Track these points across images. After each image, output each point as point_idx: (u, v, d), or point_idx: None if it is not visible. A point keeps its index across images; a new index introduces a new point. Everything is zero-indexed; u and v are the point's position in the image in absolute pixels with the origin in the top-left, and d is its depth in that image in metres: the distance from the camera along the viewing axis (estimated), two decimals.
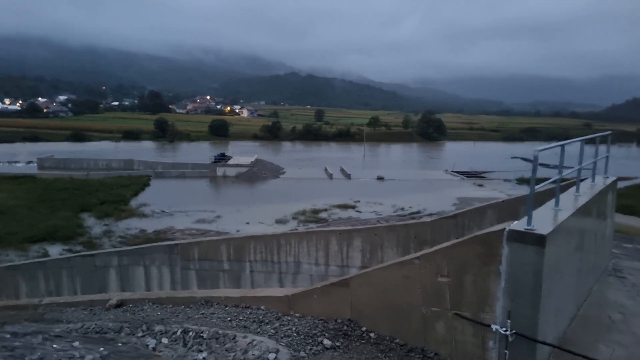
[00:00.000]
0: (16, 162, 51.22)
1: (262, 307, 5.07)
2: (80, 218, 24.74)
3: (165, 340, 4.37)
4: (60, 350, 2.20)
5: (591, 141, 5.11)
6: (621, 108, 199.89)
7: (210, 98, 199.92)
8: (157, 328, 4.63)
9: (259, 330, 4.45)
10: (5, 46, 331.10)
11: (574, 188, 4.91)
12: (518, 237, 3.43)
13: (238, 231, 21.63)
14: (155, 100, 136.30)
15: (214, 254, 8.99)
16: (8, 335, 2.19)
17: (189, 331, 4.44)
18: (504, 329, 3.47)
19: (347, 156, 61.94)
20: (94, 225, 23.75)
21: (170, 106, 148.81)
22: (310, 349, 4.00)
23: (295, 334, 4.24)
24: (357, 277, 4.53)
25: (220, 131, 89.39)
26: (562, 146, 4.03)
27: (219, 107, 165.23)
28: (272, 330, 4.36)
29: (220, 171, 42.55)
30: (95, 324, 4.92)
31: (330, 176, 42.67)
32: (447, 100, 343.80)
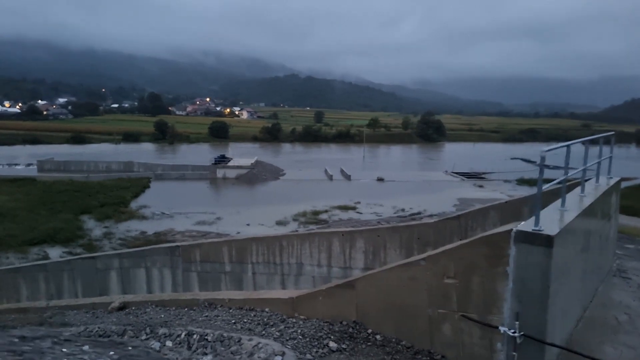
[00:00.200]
0: (16, 164, 51.19)
1: (267, 309, 5.04)
2: (80, 220, 24.71)
3: (169, 343, 4.33)
4: (70, 355, 2.18)
5: (594, 141, 5.11)
6: (620, 109, 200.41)
7: (210, 100, 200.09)
8: (161, 331, 4.60)
9: (264, 332, 4.42)
10: (5, 49, 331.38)
11: (578, 189, 4.89)
12: (525, 238, 3.41)
13: (238, 233, 21.61)
14: (155, 102, 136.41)
15: (215, 255, 8.96)
16: (17, 340, 2.16)
17: (193, 334, 4.41)
18: (512, 330, 3.44)
19: (346, 157, 61.96)
20: (94, 227, 23.72)
21: (170, 108, 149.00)
22: (317, 352, 3.98)
23: (300, 337, 4.21)
24: (363, 278, 4.50)
25: (220, 133, 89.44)
26: (568, 147, 4.01)
27: (218, 109, 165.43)
28: (277, 333, 4.33)
29: (220, 173, 42.54)
30: (99, 327, 4.88)
31: (330, 177, 42.67)
32: (446, 101, 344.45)
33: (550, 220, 3.63)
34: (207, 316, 5.11)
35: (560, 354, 3.72)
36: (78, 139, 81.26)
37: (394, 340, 4.14)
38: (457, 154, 67.93)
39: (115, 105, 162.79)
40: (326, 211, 27.49)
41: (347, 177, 42.56)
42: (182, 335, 4.44)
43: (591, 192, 4.97)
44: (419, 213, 27.23)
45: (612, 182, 5.71)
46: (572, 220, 3.77)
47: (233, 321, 4.80)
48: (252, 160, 46.06)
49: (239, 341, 4.14)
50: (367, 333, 4.27)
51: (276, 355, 3.82)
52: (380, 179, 41.27)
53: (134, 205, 29.58)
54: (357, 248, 8.23)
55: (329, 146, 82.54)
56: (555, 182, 3.99)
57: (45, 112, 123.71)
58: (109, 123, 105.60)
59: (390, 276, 4.26)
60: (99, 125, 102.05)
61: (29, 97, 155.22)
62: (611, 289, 5.29)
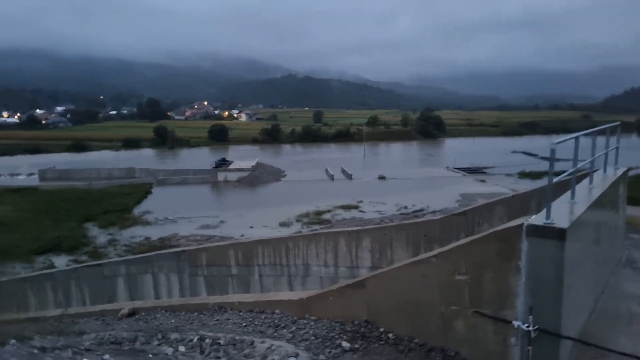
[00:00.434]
0: (18, 174, 51.29)
1: (277, 311, 5.03)
2: (84, 228, 24.74)
3: (182, 348, 4.33)
4: None
5: (601, 132, 5.09)
6: (619, 99, 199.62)
7: (208, 103, 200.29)
8: (173, 336, 4.60)
9: (275, 334, 4.42)
10: (2, 59, 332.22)
11: (587, 180, 4.87)
12: (537, 231, 3.40)
13: (242, 235, 21.60)
14: (153, 108, 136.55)
15: (221, 259, 8.97)
16: (36, 351, 2.16)
17: (205, 338, 4.41)
18: (526, 325, 3.43)
19: (347, 156, 61.91)
20: (98, 234, 23.74)
21: (168, 113, 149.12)
22: (330, 352, 3.97)
23: (313, 337, 4.20)
24: (373, 277, 4.49)
25: (219, 136, 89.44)
26: (577, 138, 4.00)
27: (217, 112, 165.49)
28: (290, 334, 4.33)
29: (221, 176, 42.55)
30: (110, 334, 4.88)
31: (332, 177, 42.65)
32: (445, 96, 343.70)
33: (561, 213, 3.62)
34: (217, 320, 5.11)
35: (574, 347, 3.71)
36: (78, 146, 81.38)
37: (406, 338, 4.13)
38: (458, 149, 67.81)
39: (114, 112, 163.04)
40: (329, 211, 27.47)
41: (349, 176, 42.54)
42: (195, 340, 4.44)
43: (599, 183, 4.95)
44: (421, 210, 27.18)
45: (620, 172, 5.69)
46: (583, 213, 3.76)
47: (244, 324, 4.80)
48: (253, 163, 46.06)
49: (251, 344, 4.14)
50: (379, 332, 4.26)
51: (290, 356, 3.81)
52: (381, 177, 41.23)
53: (137, 211, 29.60)
54: (364, 247, 8.23)
55: (329, 146, 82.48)
56: (565, 174, 3.97)
57: (44, 121, 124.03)
58: (109, 130, 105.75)
59: (401, 274, 4.25)
60: (99, 132, 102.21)
61: (28, 106, 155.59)
62: (622, 280, 5.27)
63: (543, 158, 50.60)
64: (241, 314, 5.19)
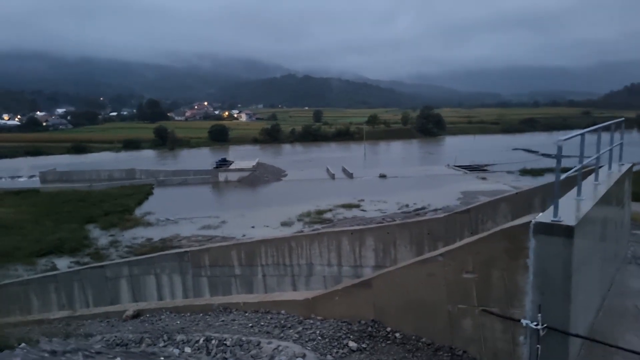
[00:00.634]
0: (19, 177, 51.33)
1: (283, 312, 5.02)
2: (86, 230, 24.75)
3: (188, 350, 4.32)
4: None
5: (605, 128, 5.07)
6: (620, 94, 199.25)
7: (208, 104, 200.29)
8: (179, 337, 4.59)
9: (282, 335, 4.40)
10: (1, 61, 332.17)
11: (592, 177, 4.85)
12: (545, 229, 3.37)
13: (244, 236, 21.61)
14: (153, 109, 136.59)
15: (224, 259, 8.95)
16: (47, 355, 2.15)
17: (212, 339, 4.40)
18: (535, 323, 3.41)
19: (347, 155, 61.89)
20: (100, 236, 23.76)
21: (168, 114, 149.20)
22: (337, 352, 3.96)
23: (320, 338, 4.19)
24: (379, 277, 4.48)
25: (219, 136, 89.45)
26: (582, 135, 3.98)
27: (217, 112, 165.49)
28: (296, 335, 4.31)
29: (222, 176, 42.55)
30: (115, 336, 4.87)
31: (332, 176, 42.63)
32: (445, 94, 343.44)
33: (568, 210, 3.59)
34: (223, 321, 5.10)
35: (583, 345, 3.69)
36: (79, 148, 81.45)
37: (413, 337, 4.12)
38: (458, 147, 67.78)
39: (114, 113, 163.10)
40: (330, 210, 27.46)
41: (349, 175, 42.51)
42: (201, 341, 4.43)
43: (605, 179, 4.93)
44: (423, 208, 27.17)
45: (624, 168, 5.67)
46: (590, 210, 3.73)
47: (250, 325, 4.79)
48: (254, 163, 46.06)
49: (258, 345, 4.13)
50: (386, 331, 4.25)
51: (297, 357, 3.80)
52: (382, 176, 41.20)
53: (138, 212, 29.61)
54: (367, 246, 8.20)
55: (329, 145, 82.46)
56: (572, 171, 3.95)
57: (44, 123, 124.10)
58: (109, 131, 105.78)
59: (407, 273, 4.23)
60: (99, 134, 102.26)
61: (28, 108, 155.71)
62: (628, 277, 5.25)
63: (544, 155, 50.55)
64: (247, 314, 5.18)
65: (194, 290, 9.09)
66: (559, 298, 3.36)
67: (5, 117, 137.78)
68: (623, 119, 5.68)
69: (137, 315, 6.42)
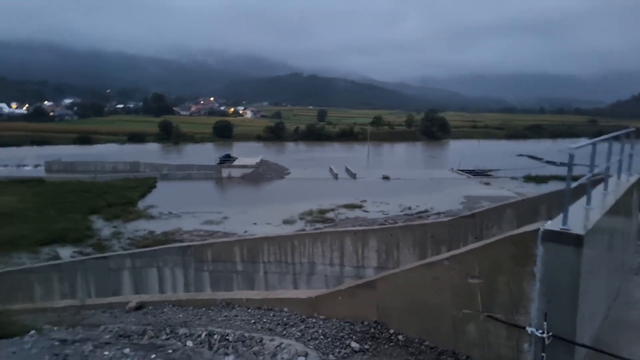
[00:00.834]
0: (24, 165, 51.71)
1: (285, 309, 5.03)
2: (89, 220, 24.90)
3: (190, 343, 4.34)
4: (113, 359, 2.18)
5: (616, 138, 5.04)
6: (627, 104, 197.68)
7: (213, 100, 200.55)
8: (181, 331, 4.60)
9: (284, 332, 4.41)
10: (10, 51, 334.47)
11: (601, 186, 4.82)
12: (554, 237, 3.36)
13: (246, 232, 21.66)
14: (159, 103, 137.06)
15: (227, 255, 8.97)
16: (57, 343, 2.17)
17: (214, 334, 4.41)
18: (540, 331, 3.40)
19: (350, 156, 61.85)
20: (102, 227, 23.89)
21: (174, 108, 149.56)
22: (339, 352, 3.96)
23: (322, 337, 4.19)
24: (384, 278, 4.47)
25: (224, 132, 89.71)
26: (594, 144, 3.96)
27: (222, 108, 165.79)
28: (299, 333, 4.32)
29: (225, 172, 42.63)
30: (118, 327, 4.90)
31: (336, 176, 42.61)
32: (450, 98, 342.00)
33: (577, 219, 3.58)
34: (226, 316, 5.11)
35: (587, 355, 3.67)
36: (84, 139, 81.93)
37: (416, 340, 4.11)
38: (462, 151, 67.51)
39: (120, 106, 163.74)
40: (332, 210, 27.45)
41: (353, 176, 42.48)
42: (203, 336, 4.44)
43: (614, 189, 4.90)
44: (426, 211, 27.10)
45: (633, 179, 5.63)
46: (599, 219, 3.72)
47: (252, 321, 4.80)
48: (257, 160, 46.11)
49: (260, 341, 4.14)
50: (390, 333, 4.24)
51: (299, 355, 3.81)
52: (385, 177, 41.14)
53: (141, 205, 29.74)
54: (370, 247, 8.20)
55: (333, 145, 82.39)
56: (582, 179, 3.93)
57: (51, 114, 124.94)
58: (114, 124, 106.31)
59: (412, 276, 4.23)
60: (105, 126, 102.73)
61: (35, 98, 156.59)
62: (634, 287, 5.22)
63: (549, 162, 50.27)
64: (249, 310, 5.19)
65: (196, 285, 9.12)
66: (565, 307, 3.35)
67: (14, 105, 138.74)
68: (634, 129, 5.64)
69: (139, 307, 6.45)
